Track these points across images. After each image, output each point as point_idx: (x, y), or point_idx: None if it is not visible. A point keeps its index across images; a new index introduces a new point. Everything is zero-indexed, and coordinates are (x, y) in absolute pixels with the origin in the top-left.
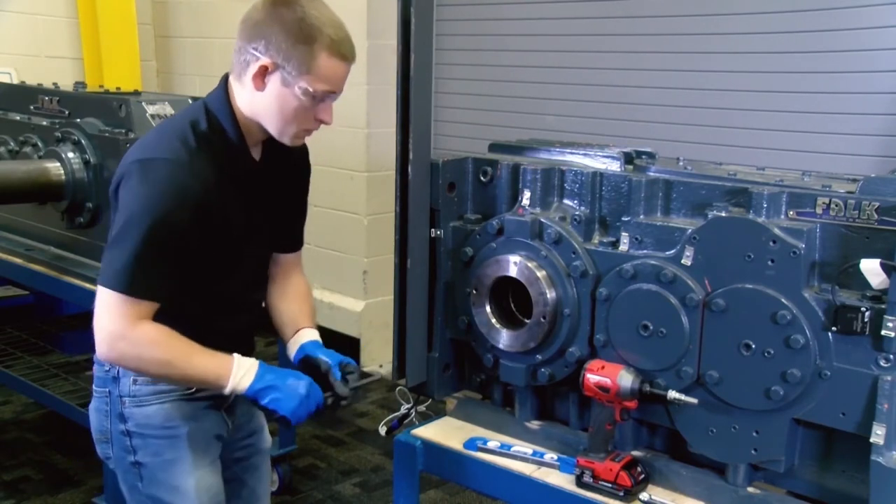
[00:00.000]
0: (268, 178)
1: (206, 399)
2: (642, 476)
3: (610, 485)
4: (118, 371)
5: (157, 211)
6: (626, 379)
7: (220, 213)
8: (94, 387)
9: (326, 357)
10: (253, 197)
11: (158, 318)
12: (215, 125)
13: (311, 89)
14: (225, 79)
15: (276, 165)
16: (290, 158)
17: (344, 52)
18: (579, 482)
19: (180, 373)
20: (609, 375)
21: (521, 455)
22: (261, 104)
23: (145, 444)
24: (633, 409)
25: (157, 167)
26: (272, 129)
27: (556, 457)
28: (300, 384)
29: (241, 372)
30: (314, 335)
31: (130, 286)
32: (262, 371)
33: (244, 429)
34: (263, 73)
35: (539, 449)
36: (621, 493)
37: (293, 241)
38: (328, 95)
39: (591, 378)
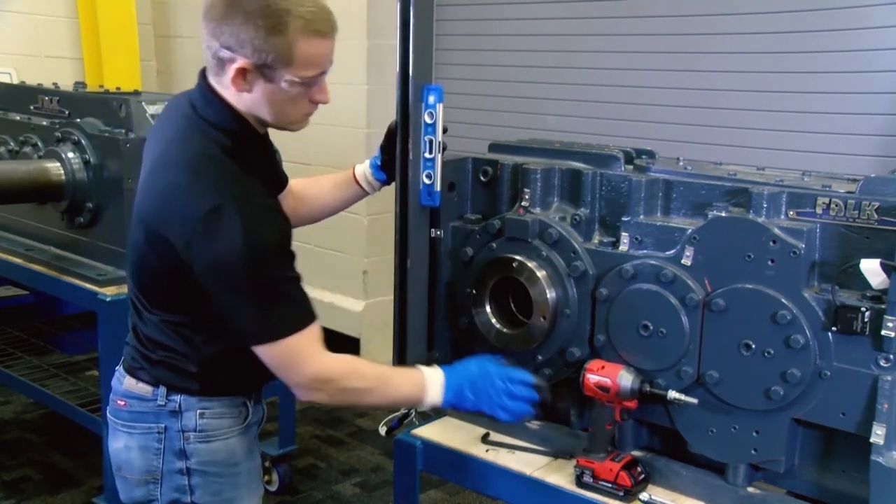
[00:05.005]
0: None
1: (256, 424)
2: (642, 476)
3: (610, 485)
4: (179, 403)
5: (266, 242)
6: (626, 379)
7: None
8: (128, 423)
9: None
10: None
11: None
12: (236, 135)
13: (297, 79)
14: (204, 79)
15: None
16: None
17: (321, 28)
18: (579, 482)
19: (379, 398)
20: (609, 375)
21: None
22: (250, 102)
23: (206, 482)
24: (633, 409)
25: (236, 209)
26: (271, 122)
27: None
28: (491, 375)
29: (433, 389)
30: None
31: (299, 320)
32: (449, 380)
33: None
34: (243, 74)
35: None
36: (621, 493)
37: (284, 177)
38: (318, 77)
39: (591, 378)
